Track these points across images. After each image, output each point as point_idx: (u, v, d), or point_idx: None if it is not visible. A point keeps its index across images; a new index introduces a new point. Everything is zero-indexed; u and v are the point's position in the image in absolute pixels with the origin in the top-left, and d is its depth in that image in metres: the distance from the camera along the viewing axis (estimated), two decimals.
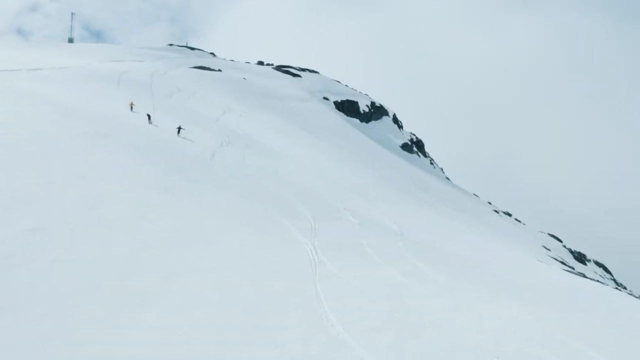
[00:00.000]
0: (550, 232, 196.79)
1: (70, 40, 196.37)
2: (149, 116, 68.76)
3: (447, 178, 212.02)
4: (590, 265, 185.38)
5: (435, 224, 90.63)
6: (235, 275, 36.85)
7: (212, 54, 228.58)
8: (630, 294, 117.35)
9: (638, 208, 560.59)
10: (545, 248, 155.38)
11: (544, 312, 48.87)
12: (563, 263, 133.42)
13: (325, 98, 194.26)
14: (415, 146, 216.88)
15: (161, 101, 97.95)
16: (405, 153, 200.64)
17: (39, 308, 25.93)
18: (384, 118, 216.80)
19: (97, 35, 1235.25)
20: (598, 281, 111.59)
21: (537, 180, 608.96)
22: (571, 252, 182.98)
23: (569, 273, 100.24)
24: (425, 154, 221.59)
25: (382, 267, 48.49)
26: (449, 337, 35.02)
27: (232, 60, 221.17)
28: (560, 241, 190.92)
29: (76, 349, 23.72)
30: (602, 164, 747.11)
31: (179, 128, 68.03)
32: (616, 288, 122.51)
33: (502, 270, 65.49)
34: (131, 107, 69.89)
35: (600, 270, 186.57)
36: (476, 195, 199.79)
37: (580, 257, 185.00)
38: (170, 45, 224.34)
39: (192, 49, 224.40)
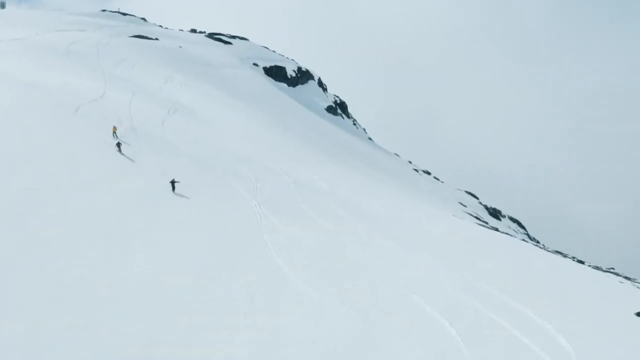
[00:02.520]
0: (467, 190, 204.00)
1: (2, 5, 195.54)
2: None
3: (370, 138, 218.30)
4: (505, 221, 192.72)
5: (360, 183, 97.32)
6: (197, 226, 43.57)
7: (143, 19, 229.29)
8: (537, 245, 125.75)
9: (557, 167, 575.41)
10: (462, 204, 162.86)
11: (455, 259, 56.86)
12: (477, 218, 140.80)
13: (255, 64, 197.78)
14: (339, 108, 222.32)
15: (109, 72, 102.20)
16: (330, 115, 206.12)
17: (50, 252, 32.17)
18: (310, 82, 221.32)
19: None
20: (507, 234, 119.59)
21: (458, 139, 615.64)
22: (486, 208, 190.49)
23: (481, 227, 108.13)
24: (348, 115, 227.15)
25: (317, 220, 55.72)
26: (376, 277, 42.98)
27: (166, 28, 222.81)
28: (477, 198, 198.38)
29: (87, 282, 30.19)
30: (523, 123, 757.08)
31: (174, 182, 50.48)
32: (523, 240, 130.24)
33: (420, 224, 72.98)
34: (113, 133, 56.59)
35: (514, 226, 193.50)
36: (397, 155, 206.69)
37: (495, 213, 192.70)
38: (103, 11, 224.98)
39: (124, 14, 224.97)
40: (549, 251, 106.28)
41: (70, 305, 27.67)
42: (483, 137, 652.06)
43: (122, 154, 54.32)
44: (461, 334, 35.99)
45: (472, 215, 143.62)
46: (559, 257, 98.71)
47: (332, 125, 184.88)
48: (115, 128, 53.51)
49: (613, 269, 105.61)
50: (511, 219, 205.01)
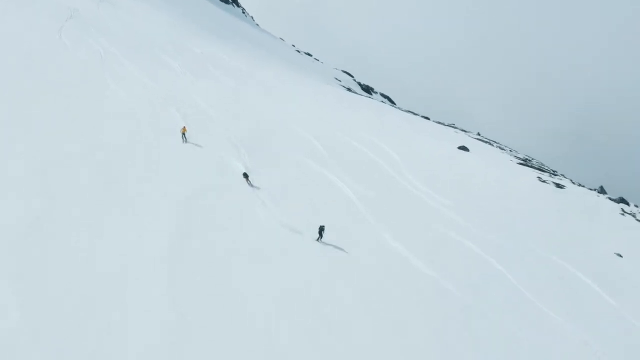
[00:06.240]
0: (344, 70, 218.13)
1: None
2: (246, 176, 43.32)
3: (257, 25, 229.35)
4: (376, 96, 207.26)
5: (251, 58, 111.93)
6: (140, 79, 58.72)
7: None
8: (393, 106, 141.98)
9: (442, 54, 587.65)
10: (337, 80, 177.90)
11: (325, 110, 74.50)
12: (349, 90, 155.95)
13: None
14: None
15: None
16: (223, 4, 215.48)
17: (51, 89, 46.92)
18: None
19: None
20: (371, 97, 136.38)
21: (345, 26, 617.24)
22: (360, 84, 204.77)
23: (350, 92, 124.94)
24: (238, 4, 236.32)
25: (223, 78, 72.66)
26: (264, 112, 61.85)
27: None
28: (352, 77, 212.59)
29: (85, 109, 45.44)
30: (410, 15, 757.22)
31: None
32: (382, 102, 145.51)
33: (297, 86, 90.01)
34: (183, 134, 49.26)
35: (386, 101, 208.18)
36: (282, 40, 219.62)
37: (368, 89, 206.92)
38: None
39: None
40: (403, 110, 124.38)
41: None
42: (370, 26, 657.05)
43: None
44: (324, 146, 54.71)
45: (344, 87, 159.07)
46: (411, 114, 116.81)
47: (225, 13, 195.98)
48: (184, 129, 51.38)
49: (454, 124, 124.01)
50: (383, 95, 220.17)
